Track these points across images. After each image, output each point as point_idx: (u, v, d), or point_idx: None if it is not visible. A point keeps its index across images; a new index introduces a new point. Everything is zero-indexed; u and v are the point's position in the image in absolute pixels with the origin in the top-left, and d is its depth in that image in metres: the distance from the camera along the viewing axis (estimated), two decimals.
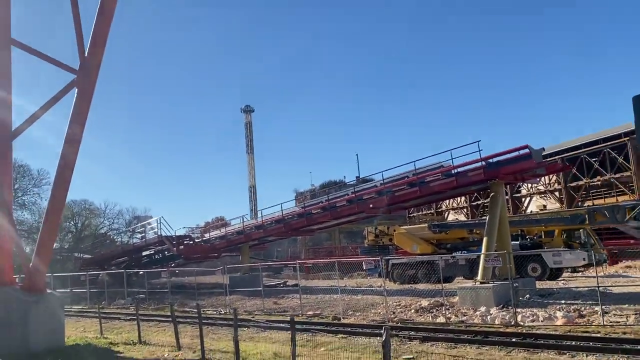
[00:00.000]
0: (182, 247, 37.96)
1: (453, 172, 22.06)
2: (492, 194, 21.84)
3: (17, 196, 53.68)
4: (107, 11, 14.96)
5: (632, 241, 37.48)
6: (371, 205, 25.34)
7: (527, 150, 20.56)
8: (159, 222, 39.16)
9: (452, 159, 21.71)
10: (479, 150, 20.68)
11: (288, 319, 20.85)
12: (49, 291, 15.93)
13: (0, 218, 15.04)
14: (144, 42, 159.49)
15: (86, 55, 15.12)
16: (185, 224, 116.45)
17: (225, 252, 40.81)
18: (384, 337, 6.13)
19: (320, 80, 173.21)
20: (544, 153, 23.88)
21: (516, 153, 20.93)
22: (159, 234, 38.68)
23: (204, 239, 40.32)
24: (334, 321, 19.28)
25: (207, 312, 24.95)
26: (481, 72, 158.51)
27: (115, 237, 64.42)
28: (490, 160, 21.12)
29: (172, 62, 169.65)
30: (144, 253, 44.01)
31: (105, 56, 15.37)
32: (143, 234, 43.79)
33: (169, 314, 21.76)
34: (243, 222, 37.21)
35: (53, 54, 15.62)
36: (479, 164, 21.08)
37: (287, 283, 37.68)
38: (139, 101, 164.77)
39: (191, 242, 39.51)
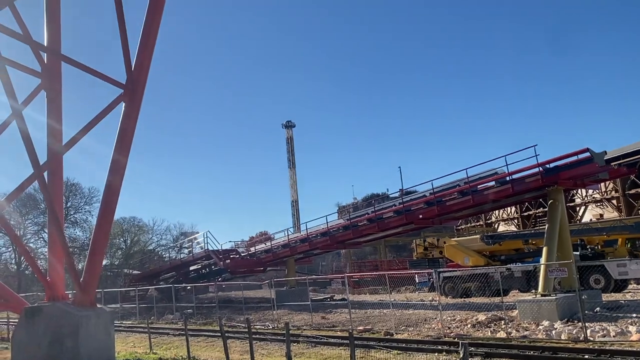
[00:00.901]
0: (228, 261, 37.92)
1: (508, 178, 21.03)
2: (550, 201, 20.66)
3: (70, 214, 55.34)
4: (154, 20, 14.93)
5: None
6: (420, 216, 24.51)
7: (587, 154, 19.41)
8: (205, 236, 39.39)
9: (506, 165, 20.76)
10: (536, 155, 19.64)
11: (338, 333, 20.37)
12: (99, 306, 15.86)
13: (53, 233, 15.11)
14: (184, 58, 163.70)
15: (133, 68, 15.11)
16: (230, 239, 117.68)
17: (271, 266, 40.58)
18: (462, 354, 5.47)
19: (359, 93, 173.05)
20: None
21: (575, 157, 19.81)
22: (206, 248, 38.82)
23: (250, 252, 40.20)
24: (387, 336, 18.49)
25: (255, 326, 24.53)
26: (528, 76, 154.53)
27: (163, 252, 65.48)
28: (548, 166, 20.02)
29: (213, 78, 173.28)
30: (191, 268, 44.30)
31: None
32: (190, 249, 44.18)
33: (217, 328, 21.53)
34: (288, 235, 36.91)
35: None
36: (536, 169, 19.99)
37: (334, 297, 37.01)
38: (182, 119, 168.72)
39: (237, 256, 39.45)
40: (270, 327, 24.43)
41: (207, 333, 22.91)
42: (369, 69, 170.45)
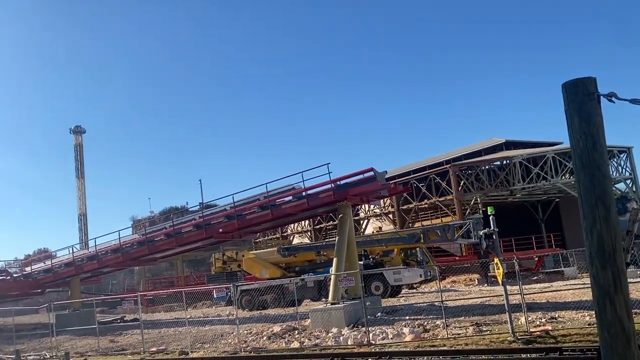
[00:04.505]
0: None
1: (304, 194, 22.19)
2: (340, 215, 22.35)
3: None
4: None
5: (457, 258, 41.57)
6: (220, 230, 24.39)
7: (372, 173, 21.50)
8: None
9: (303, 180, 21.89)
10: (329, 173, 21.09)
11: (128, 357, 19.02)
12: None
13: None
14: None
15: None
16: (1, 258, 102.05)
17: (51, 288, 36.29)
18: None
19: (158, 104, 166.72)
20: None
21: (362, 175, 21.79)
22: None
23: (25, 273, 35.40)
24: (182, 356, 17.88)
25: (29, 357, 21.66)
26: (321, 99, 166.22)
27: None
28: (339, 183, 21.67)
29: None
30: None
31: None
32: None
33: None
34: (73, 252, 33.50)
35: None
36: (329, 186, 21.47)
37: (125, 318, 34.61)
38: None
39: (8, 277, 34.41)
40: (48, 356, 21.76)
41: None
42: (167, 75, 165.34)
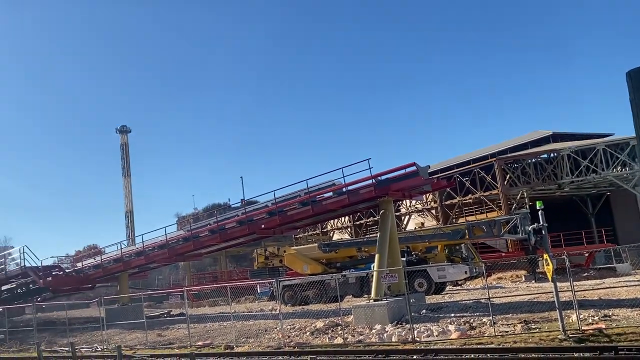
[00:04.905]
0: (49, 278, 34.15)
1: (344, 189, 22.07)
2: (381, 211, 22.11)
3: None
4: None
5: (503, 254, 40.58)
6: (263, 226, 24.58)
7: (414, 168, 21.14)
8: (22, 251, 34.97)
9: (343, 176, 21.76)
10: (370, 168, 20.91)
11: (175, 351, 19.42)
12: None
13: None
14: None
15: None
16: (53, 254, 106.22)
17: (100, 283, 37.50)
18: None
19: (201, 102, 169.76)
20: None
21: (404, 170, 21.47)
22: (22, 265, 34.50)
23: (76, 268, 36.72)
24: (227, 350, 18.09)
25: (81, 349, 22.38)
26: (355, 93, 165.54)
27: None
28: (380, 178, 21.42)
29: (40, 79, 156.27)
30: (3, 287, 38.97)
31: None
32: (2, 266, 38.81)
33: (34, 355, 19.12)
34: (121, 248, 34.49)
35: None
36: (370, 181, 21.27)
37: (172, 312, 35.45)
38: None
39: (61, 272, 35.74)
40: (99, 349, 22.45)
41: None
42: (205, 75, 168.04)
